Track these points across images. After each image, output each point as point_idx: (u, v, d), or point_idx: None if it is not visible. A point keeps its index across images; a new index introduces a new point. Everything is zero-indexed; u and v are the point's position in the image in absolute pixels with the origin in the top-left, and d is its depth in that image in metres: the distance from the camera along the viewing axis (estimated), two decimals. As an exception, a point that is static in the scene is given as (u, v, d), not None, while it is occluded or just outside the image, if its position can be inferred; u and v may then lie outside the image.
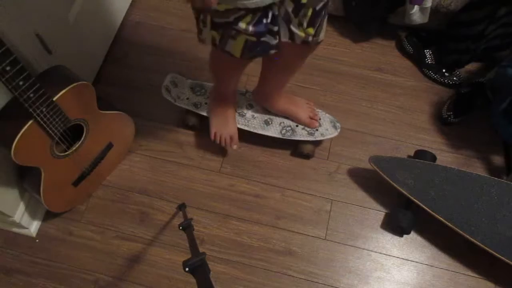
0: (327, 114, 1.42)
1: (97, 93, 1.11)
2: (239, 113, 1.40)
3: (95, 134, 1.19)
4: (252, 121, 1.39)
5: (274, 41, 0.96)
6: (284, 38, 0.98)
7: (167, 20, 1.70)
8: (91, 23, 1.45)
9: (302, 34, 0.96)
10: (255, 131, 1.38)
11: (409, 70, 1.62)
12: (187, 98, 1.42)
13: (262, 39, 0.94)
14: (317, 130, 1.38)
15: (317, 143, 1.44)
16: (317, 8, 0.91)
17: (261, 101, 1.38)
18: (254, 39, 0.92)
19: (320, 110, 1.42)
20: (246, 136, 1.42)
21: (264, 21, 0.89)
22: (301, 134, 1.38)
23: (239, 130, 1.39)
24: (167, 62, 1.62)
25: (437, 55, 1.57)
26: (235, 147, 1.38)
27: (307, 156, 1.44)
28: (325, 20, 1.00)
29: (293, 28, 0.95)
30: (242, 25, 0.88)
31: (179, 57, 1.63)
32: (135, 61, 1.62)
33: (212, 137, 1.37)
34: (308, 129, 1.38)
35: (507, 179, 1.33)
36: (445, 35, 1.54)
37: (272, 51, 0.98)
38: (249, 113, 1.40)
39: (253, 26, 0.88)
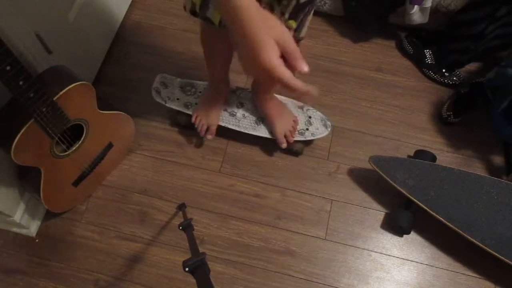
0: (318, 112, 1.41)
1: (97, 93, 1.11)
2: (229, 112, 1.40)
3: (95, 134, 1.19)
4: (243, 121, 1.39)
5: None
6: None
7: (167, 20, 1.70)
8: (91, 23, 1.45)
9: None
10: (246, 131, 1.38)
11: (409, 70, 1.62)
12: (178, 99, 1.41)
13: None
14: (307, 129, 1.38)
15: (307, 141, 1.44)
16: (301, 1, 0.90)
17: (254, 96, 1.39)
18: None
19: (311, 108, 1.42)
20: (245, 136, 1.41)
21: None
22: None
23: (235, 130, 1.39)
24: (167, 62, 1.62)
25: (437, 55, 1.57)
26: (209, 137, 1.39)
27: (296, 153, 1.44)
28: (309, 17, 0.99)
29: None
30: None
31: (179, 57, 1.63)
32: (135, 61, 1.62)
33: (193, 119, 1.38)
34: (298, 128, 1.38)
35: (507, 179, 1.33)
36: (445, 35, 1.53)
37: None
38: (239, 112, 1.40)
39: None
